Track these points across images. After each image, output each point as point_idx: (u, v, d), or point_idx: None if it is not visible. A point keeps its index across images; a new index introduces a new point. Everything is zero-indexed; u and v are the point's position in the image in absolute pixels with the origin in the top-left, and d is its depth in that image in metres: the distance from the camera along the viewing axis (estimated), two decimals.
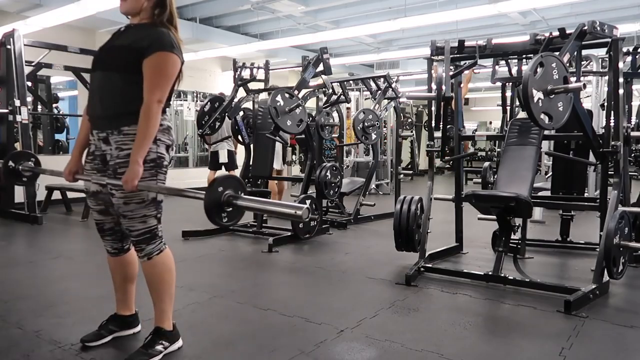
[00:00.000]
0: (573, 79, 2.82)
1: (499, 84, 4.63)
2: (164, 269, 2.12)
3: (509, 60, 4.34)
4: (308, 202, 4.67)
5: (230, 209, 1.75)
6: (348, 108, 8.43)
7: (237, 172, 7.54)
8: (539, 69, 2.53)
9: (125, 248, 2.25)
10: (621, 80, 3.23)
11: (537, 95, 2.52)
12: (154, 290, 2.13)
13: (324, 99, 5.67)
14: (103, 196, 2.12)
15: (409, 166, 13.86)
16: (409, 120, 13.44)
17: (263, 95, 5.72)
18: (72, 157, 2.22)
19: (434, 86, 3.77)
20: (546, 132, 3.57)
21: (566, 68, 2.66)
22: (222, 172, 8.06)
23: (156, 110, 1.96)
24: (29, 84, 6.62)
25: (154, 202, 2.06)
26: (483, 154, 14.71)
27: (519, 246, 3.83)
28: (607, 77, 4.36)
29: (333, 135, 6.83)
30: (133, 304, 2.34)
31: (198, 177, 8.18)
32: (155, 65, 1.96)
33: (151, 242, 2.07)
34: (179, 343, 2.21)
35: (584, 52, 4.58)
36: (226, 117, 5.43)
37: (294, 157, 10.05)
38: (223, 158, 7.56)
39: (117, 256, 2.25)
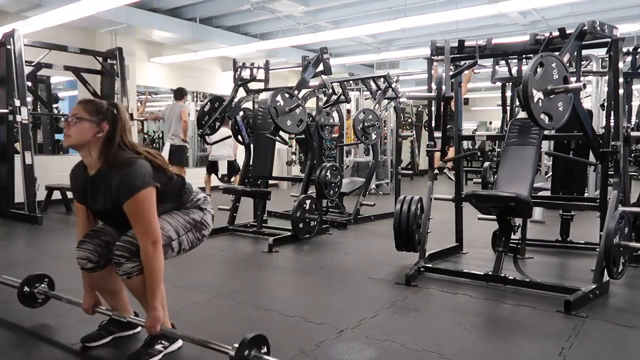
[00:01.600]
0: (573, 79, 2.82)
1: (499, 84, 4.63)
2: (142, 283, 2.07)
3: (509, 60, 4.34)
4: (308, 201, 4.67)
5: None
6: (348, 110, 8.43)
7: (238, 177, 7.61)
8: (539, 69, 2.53)
9: (101, 264, 2.17)
10: (621, 80, 3.23)
11: (537, 95, 2.52)
12: (141, 298, 2.09)
13: (324, 99, 5.67)
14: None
15: (409, 166, 13.86)
16: (409, 120, 13.44)
17: (263, 95, 5.72)
18: (86, 291, 2.26)
19: (434, 86, 3.77)
20: (546, 132, 3.57)
21: (566, 68, 2.66)
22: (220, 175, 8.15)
23: (153, 252, 1.95)
24: (29, 84, 6.62)
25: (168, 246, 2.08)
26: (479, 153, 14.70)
27: (519, 246, 3.83)
28: (607, 77, 4.36)
29: (333, 135, 6.84)
30: (130, 308, 2.33)
31: (198, 177, 8.20)
32: (132, 212, 1.95)
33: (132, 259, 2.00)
34: (179, 343, 2.20)
35: (584, 52, 4.58)
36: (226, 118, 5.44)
37: (293, 157, 10.06)
38: (223, 170, 7.70)
39: (94, 272, 2.18)
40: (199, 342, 1.96)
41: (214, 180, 8.24)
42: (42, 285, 2.61)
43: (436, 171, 4.50)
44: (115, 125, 2.02)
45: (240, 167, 8.00)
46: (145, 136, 10.65)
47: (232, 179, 8.02)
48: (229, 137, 6.43)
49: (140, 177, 1.94)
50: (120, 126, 2.03)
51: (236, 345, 1.76)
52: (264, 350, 1.82)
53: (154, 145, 10.75)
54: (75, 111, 2.00)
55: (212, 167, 8.08)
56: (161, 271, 1.99)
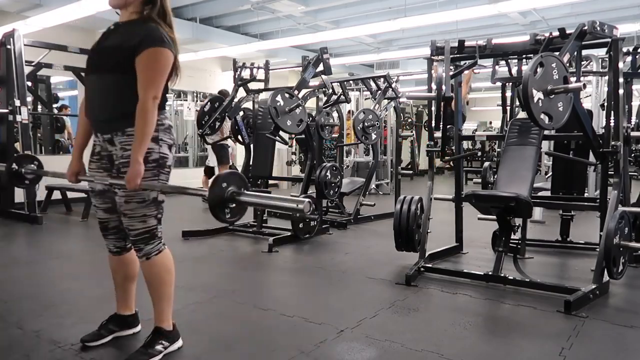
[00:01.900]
0: (573, 79, 2.82)
1: (499, 84, 4.63)
2: (163, 270, 2.12)
3: (509, 60, 4.34)
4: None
5: (234, 205, 1.76)
6: (350, 111, 8.43)
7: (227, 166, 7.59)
8: (539, 69, 2.53)
9: (127, 247, 2.25)
10: (621, 80, 3.23)
11: (537, 95, 2.52)
12: (153, 290, 2.13)
13: (324, 99, 5.67)
14: (110, 194, 2.13)
15: (409, 166, 13.86)
16: (409, 120, 13.44)
17: (263, 95, 5.72)
18: (73, 159, 2.22)
19: (434, 86, 3.77)
20: (546, 132, 3.57)
21: (566, 68, 2.66)
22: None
23: (152, 107, 1.95)
24: (29, 84, 6.63)
25: (154, 202, 2.06)
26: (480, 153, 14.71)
27: (519, 246, 3.83)
28: (607, 77, 4.36)
29: (333, 135, 6.85)
30: (133, 304, 2.35)
31: (198, 177, 8.20)
32: (147, 62, 1.95)
33: (150, 242, 2.07)
34: (179, 343, 2.21)
35: (584, 52, 4.58)
36: (226, 118, 5.44)
37: (293, 157, 10.07)
38: (212, 162, 7.71)
39: (119, 255, 2.25)
40: (178, 189, 1.96)
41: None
42: (31, 165, 2.57)
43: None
44: None
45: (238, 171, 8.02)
46: None
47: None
48: (226, 138, 6.46)
49: (166, 38, 1.98)
50: None
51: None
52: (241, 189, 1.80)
53: None
54: None
55: (210, 172, 8.09)
56: (152, 127, 1.96)
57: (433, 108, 3.83)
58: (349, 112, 8.26)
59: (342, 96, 5.56)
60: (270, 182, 5.99)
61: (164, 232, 2.14)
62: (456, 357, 2.19)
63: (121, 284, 2.30)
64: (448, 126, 3.93)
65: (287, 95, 4.45)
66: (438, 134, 3.86)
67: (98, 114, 2.08)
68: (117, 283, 2.30)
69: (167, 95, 2.11)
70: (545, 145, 5.55)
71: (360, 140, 5.75)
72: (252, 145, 5.37)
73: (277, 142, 5.05)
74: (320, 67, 4.93)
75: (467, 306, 2.91)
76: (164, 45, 1.97)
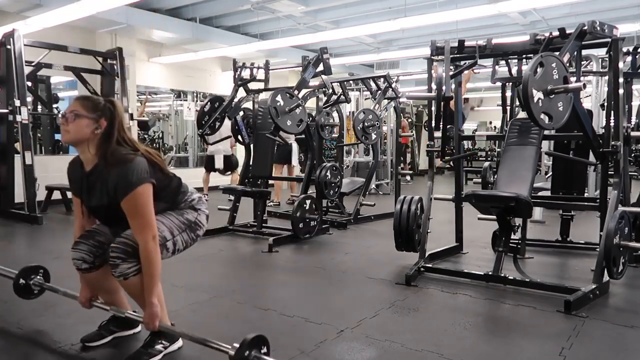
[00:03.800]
0: (573, 79, 2.82)
1: (499, 84, 4.63)
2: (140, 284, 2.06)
3: (509, 60, 4.33)
4: (308, 201, 4.65)
5: None
6: (352, 112, 8.44)
7: (237, 172, 7.61)
8: (539, 69, 2.53)
9: (96, 265, 2.16)
10: (621, 80, 3.23)
11: (537, 95, 2.52)
12: (142, 302, 2.08)
13: (324, 99, 5.67)
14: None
15: (409, 166, 13.86)
16: (409, 120, 13.44)
17: (263, 95, 5.72)
18: (83, 284, 2.24)
19: (434, 86, 3.77)
20: (546, 132, 3.57)
21: (566, 68, 2.66)
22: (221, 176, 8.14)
23: (154, 247, 1.96)
24: (29, 84, 6.62)
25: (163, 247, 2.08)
26: (483, 153, 14.74)
27: (519, 246, 3.83)
28: (607, 77, 4.36)
29: (333, 135, 6.84)
30: (128, 305, 2.32)
31: (198, 177, 8.20)
32: (130, 209, 1.95)
33: (127, 260, 1.99)
34: (179, 343, 2.20)
35: (584, 52, 4.58)
36: (226, 118, 5.44)
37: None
38: (219, 164, 7.71)
39: (90, 272, 2.17)
40: (199, 340, 1.96)
41: (212, 181, 8.22)
42: (38, 277, 2.60)
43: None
44: (113, 121, 2.03)
45: (239, 162, 8.04)
46: (145, 136, 10.66)
47: (228, 173, 8.00)
48: (229, 137, 6.44)
49: (137, 174, 1.95)
50: (117, 122, 2.04)
51: (236, 345, 1.76)
52: (264, 350, 1.82)
53: (154, 145, 10.75)
54: (73, 108, 2.00)
55: (210, 163, 7.99)
56: (159, 267, 1.99)
57: (433, 108, 3.83)
58: (351, 113, 8.26)
59: (342, 96, 5.56)
60: (270, 182, 5.99)
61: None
62: (456, 357, 2.19)
63: (107, 297, 2.28)
64: (448, 126, 3.93)
65: (287, 95, 4.45)
66: (438, 134, 3.86)
67: (111, 224, 2.15)
68: (104, 297, 2.29)
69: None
70: (545, 145, 5.55)
71: (360, 140, 5.75)
72: (252, 145, 5.37)
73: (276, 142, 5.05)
74: (320, 67, 4.93)
75: (467, 306, 2.91)
76: (134, 186, 1.94)
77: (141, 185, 1.95)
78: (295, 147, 7.28)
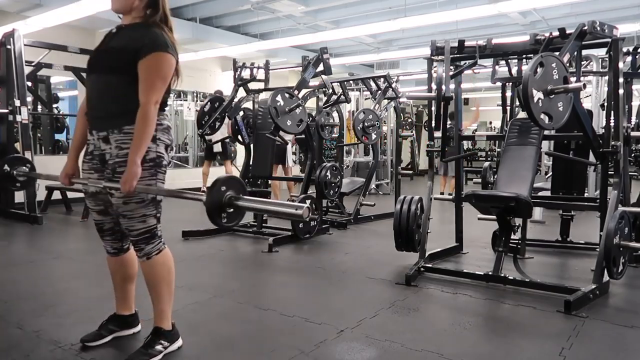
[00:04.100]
0: (573, 79, 2.82)
1: (499, 84, 4.63)
2: (163, 269, 2.12)
3: (509, 60, 4.33)
4: (308, 201, 4.66)
5: (232, 209, 1.76)
6: (352, 112, 8.44)
7: (233, 166, 7.61)
8: (539, 69, 2.53)
9: (124, 248, 2.25)
10: (621, 80, 3.23)
11: (537, 95, 2.52)
12: (153, 290, 2.13)
13: (324, 99, 5.67)
14: (102, 196, 2.12)
15: (409, 166, 13.87)
16: (409, 120, 13.44)
17: (263, 95, 5.72)
18: (69, 160, 2.21)
19: (434, 86, 3.77)
20: (546, 132, 3.57)
21: (566, 68, 2.66)
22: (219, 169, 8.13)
23: (153, 111, 1.96)
24: (29, 84, 6.63)
25: (153, 202, 2.06)
26: (483, 153, 14.73)
27: (519, 246, 3.83)
28: (607, 77, 4.36)
29: (333, 135, 6.85)
30: (133, 304, 2.35)
31: (198, 177, 8.20)
32: (150, 67, 1.96)
33: (150, 241, 2.07)
34: (179, 343, 2.21)
35: (584, 52, 4.58)
36: (226, 118, 5.44)
37: (293, 157, 10.07)
38: (217, 147, 7.66)
39: (117, 256, 2.25)
40: (175, 194, 1.96)
41: (212, 175, 8.22)
42: (23, 167, 2.56)
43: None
44: None
45: (235, 152, 8.04)
46: None
47: (226, 162, 8.02)
48: (226, 138, 6.45)
49: (170, 43, 1.99)
50: None
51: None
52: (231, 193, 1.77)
53: None
54: None
55: (209, 151, 7.99)
56: (152, 131, 1.97)
57: (433, 108, 3.83)
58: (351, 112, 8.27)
59: (342, 96, 5.56)
60: (270, 182, 5.98)
61: (163, 232, 2.14)
62: (456, 357, 2.19)
63: (120, 285, 2.30)
64: (448, 126, 3.93)
65: (287, 95, 4.45)
66: (438, 134, 3.86)
67: (96, 111, 2.08)
68: (116, 284, 2.30)
69: (168, 95, 2.11)
70: (545, 145, 5.55)
71: (360, 140, 5.75)
72: (252, 145, 5.37)
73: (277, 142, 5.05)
74: (320, 67, 4.93)
75: (467, 306, 2.91)
76: (167, 50, 1.98)
77: (170, 53, 1.98)
78: (289, 146, 7.25)
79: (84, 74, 6.84)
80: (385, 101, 6.39)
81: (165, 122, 2.09)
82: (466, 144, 10.92)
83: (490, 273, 3.25)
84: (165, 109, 2.13)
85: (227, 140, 7.72)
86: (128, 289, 2.31)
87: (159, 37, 1.99)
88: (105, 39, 2.12)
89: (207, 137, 5.79)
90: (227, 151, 8.02)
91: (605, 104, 3.49)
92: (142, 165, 1.95)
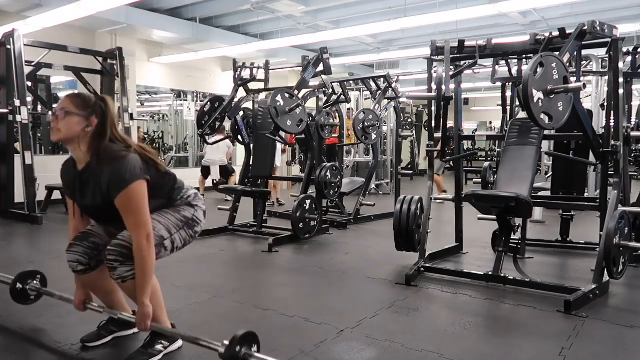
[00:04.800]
0: (573, 79, 2.82)
1: (499, 84, 4.63)
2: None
3: (509, 60, 4.34)
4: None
5: None
6: (350, 109, 8.44)
7: (235, 177, 7.65)
8: (539, 69, 2.53)
9: (92, 266, 2.15)
10: (621, 80, 3.23)
11: (537, 95, 2.52)
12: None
13: (324, 99, 5.67)
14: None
15: (409, 166, 13.86)
16: (409, 120, 13.44)
17: (263, 95, 5.72)
18: (78, 287, 2.21)
19: (434, 86, 3.77)
20: (546, 132, 3.57)
21: (566, 68, 2.66)
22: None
23: (147, 246, 1.92)
24: (29, 84, 6.62)
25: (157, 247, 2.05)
26: (483, 153, 14.74)
27: (519, 246, 3.83)
28: (607, 77, 4.36)
29: (333, 135, 6.84)
30: (126, 305, 2.32)
31: (197, 177, 8.22)
32: (124, 206, 1.92)
33: (125, 263, 1.98)
34: (179, 343, 2.20)
35: (584, 52, 4.58)
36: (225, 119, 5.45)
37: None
38: (215, 174, 7.87)
39: (87, 273, 2.16)
40: (190, 339, 1.95)
41: (209, 182, 8.34)
42: (35, 282, 2.59)
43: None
44: (105, 119, 2.00)
45: (234, 169, 8.13)
46: (146, 136, 10.65)
47: (230, 177, 8.11)
48: (225, 138, 6.47)
49: (130, 170, 1.92)
50: (109, 120, 2.01)
51: (226, 342, 1.74)
52: (254, 349, 1.80)
53: (154, 145, 10.75)
54: (64, 105, 1.97)
55: (206, 171, 8.20)
56: (153, 266, 1.96)
57: (433, 108, 3.83)
58: (348, 109, 8.26)
59: (342, 96, 5.55)
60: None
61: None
62: (456, 357, 2.19)
63: (105, 298, 2.27)
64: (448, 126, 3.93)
65: (287, 95, 4.45)
66: (438, 134, 3.86)
67: (105, 223, 2.13)
68: (101, 298, 2.28)
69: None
70: (545, 145, 5.55)
71: (360, 140, 5.75)
72: (252, 145, 5.37)
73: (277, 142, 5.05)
74: (320, 67, 4.93)
75: (467, 306, 2.91)
76: (128, 183, 1.91)
77: (135, 182, 1.92)
78: (279, 147, 7.14)
79: (84, 74, 6.86)
80: (385, 101, 6.39)
81: (191, 191, 2.18)
82: (466, 144, 10.97)
83: (490, 273, 3.25)
84: (181, 189, 2.19)
85: (226, 165, 8.01)
86: (115, 298, 2.27)
87: (116, 174, 1.91)
88: (75, 185, 2.06)
89: (207, 138, 5.79)
90: (228, 171, 8.15)
91: (605, 104, 3.49)
92: (176, 218, 2.04)
